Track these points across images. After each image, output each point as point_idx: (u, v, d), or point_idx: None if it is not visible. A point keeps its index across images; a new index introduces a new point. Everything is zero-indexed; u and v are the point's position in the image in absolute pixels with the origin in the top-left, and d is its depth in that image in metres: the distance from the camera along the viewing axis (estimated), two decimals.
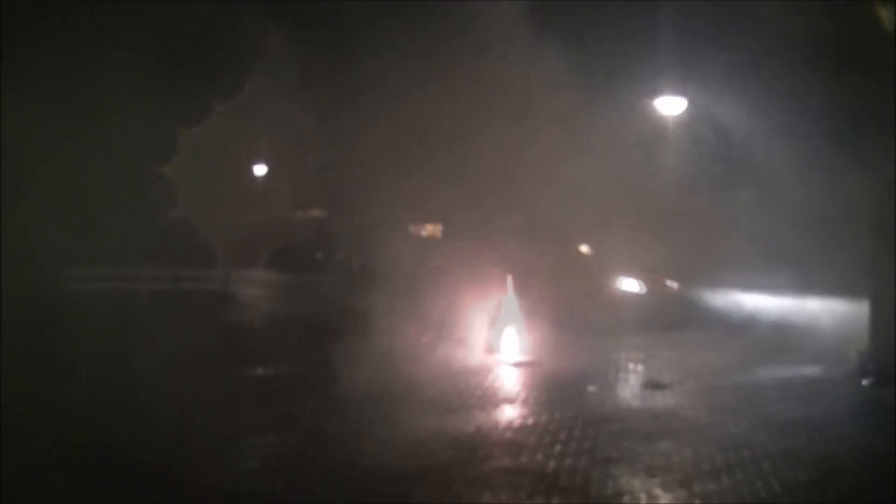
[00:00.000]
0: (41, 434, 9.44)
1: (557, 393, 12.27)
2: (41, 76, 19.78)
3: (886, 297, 12.93)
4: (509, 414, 11.09)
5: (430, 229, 26.16)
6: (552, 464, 8.68)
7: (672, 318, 19.03)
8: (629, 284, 21.20)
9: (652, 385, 12.84)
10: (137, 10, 20.18)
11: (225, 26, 20.79)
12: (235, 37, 21.02)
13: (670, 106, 22.85)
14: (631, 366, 14.69)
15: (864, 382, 12.74)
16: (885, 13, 13.94)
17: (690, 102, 23.23)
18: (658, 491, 7.92)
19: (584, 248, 23.42)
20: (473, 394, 12.19)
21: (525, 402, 11.88)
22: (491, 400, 11.88)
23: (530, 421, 10.58)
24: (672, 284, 21.39)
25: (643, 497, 7.77)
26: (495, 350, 15.51)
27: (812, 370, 14.07)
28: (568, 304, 18.37)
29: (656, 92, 23.18)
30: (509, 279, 16.17)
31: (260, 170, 35.77)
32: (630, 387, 13.03)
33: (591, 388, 12.57)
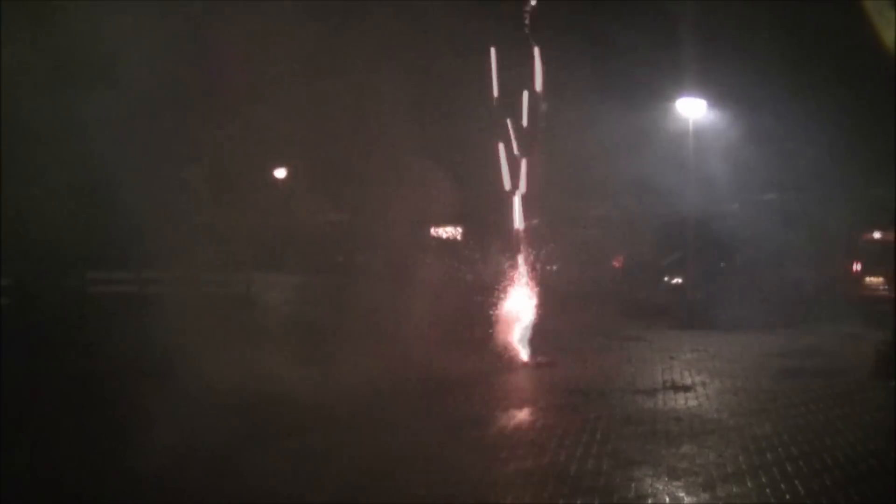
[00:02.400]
0: (63, 442, 9.54)
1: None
2: (63, 76, 19.83)
3: None
4: (530, 415, 11.06)
5: (452, 232, 26.18)
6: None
7: None
8: None
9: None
10: (161, 12, 20.20)
11: (247, 28, 20.80)
12: (258, 39, 21.04)
13: (691, 108, 22.80)
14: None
15: (891, 384, 12.60)
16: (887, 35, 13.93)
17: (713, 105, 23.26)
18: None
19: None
20: (495, 396, 12.17)
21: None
22: (512, 402, 11.86)
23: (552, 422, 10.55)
24: None
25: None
26: (517, 351, 15.45)
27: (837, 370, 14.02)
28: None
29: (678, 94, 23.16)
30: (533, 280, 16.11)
31: (282, 173, 35.83)
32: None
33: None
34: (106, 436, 9.58)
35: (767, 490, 7.91)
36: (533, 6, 15.76)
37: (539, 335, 15.48)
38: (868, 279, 20.35)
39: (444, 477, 8.31)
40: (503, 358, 15.17)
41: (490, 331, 16.07)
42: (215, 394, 10.91)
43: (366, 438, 9.77)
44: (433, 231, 26.65)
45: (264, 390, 11.24)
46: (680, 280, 22.41)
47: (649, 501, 7.70)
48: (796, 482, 8.10)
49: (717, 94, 23.61)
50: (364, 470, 8.58)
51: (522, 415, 11.10)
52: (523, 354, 15.28)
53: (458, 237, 24.99)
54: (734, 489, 7.95)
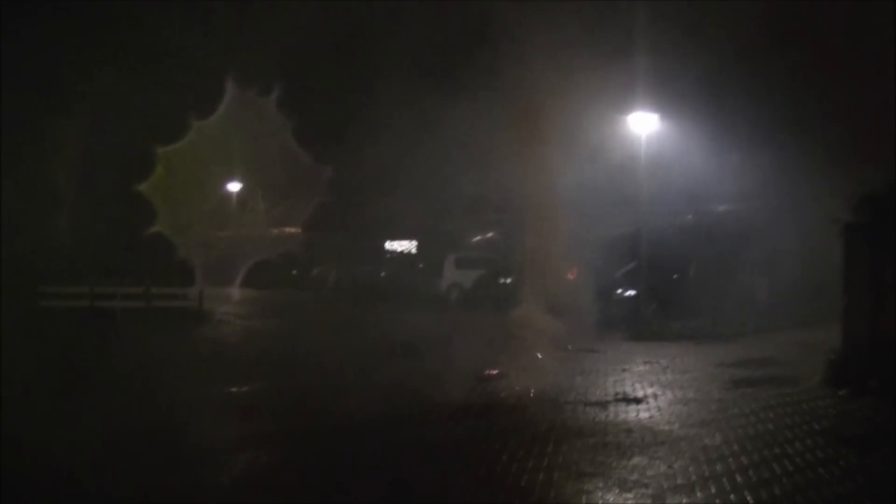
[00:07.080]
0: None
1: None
2: (14, 93, 19.63)
3: (859, 306, 12.93)
4: (481, 426, 11.00)
5: (406, 245, 26.18)
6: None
7: None
8: None
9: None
10: (114, 26, 20.05)
11: (200, 41, 20.71)
12: (211, 52, 20.94)
13: (643, 123, 22.85)
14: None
15: (841, 393, 12.72)
16: None
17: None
18: None
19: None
20: (447, 407, 12.09)
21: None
22: (462, 413, 11.78)
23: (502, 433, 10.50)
24: None
25: None
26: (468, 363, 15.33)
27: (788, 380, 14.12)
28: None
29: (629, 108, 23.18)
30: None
31: (236, 186, 35.61)
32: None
33: None
34: None
35: (717, 501, 7.92)
36: None
37: (491, 346, 15.42)
38: None
39: (391, 488, 8.25)
40: (454, 370, 15.05)
41: (443, 343, 16.03)
42: None
43: (314, 449, 9.73)
44: (388, 244, 26.61)
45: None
46: (633, 291, 22.48)
47: None
48: (745, 493, 8.12)
49: (670, 107, 23.74)
50: (316, 479, 8.54)
51: (472, 426, 11.02)
52: (475, 366, 15.16)
53: (413, 250, 24.98)
54: (684, 500, 7.95)
